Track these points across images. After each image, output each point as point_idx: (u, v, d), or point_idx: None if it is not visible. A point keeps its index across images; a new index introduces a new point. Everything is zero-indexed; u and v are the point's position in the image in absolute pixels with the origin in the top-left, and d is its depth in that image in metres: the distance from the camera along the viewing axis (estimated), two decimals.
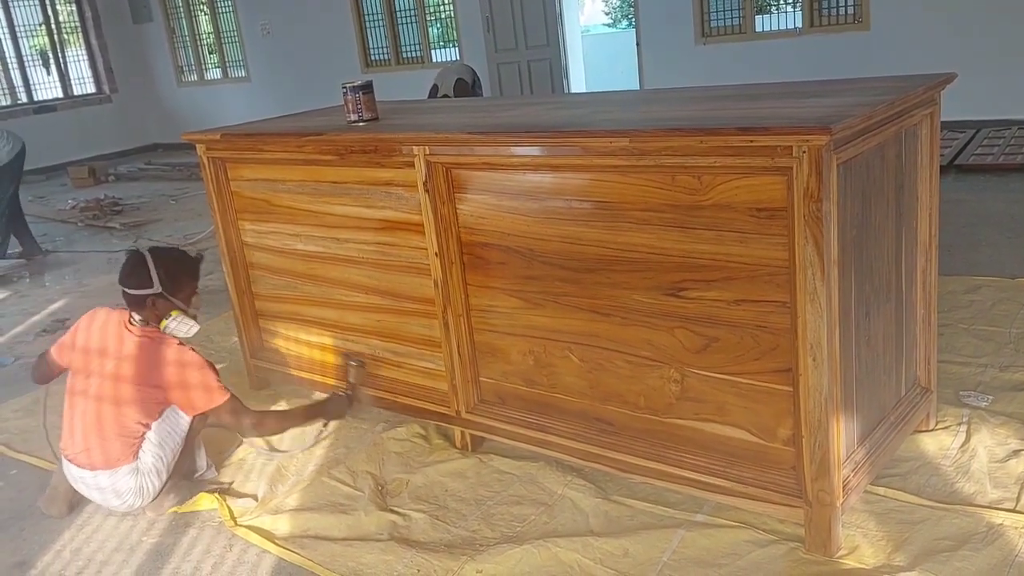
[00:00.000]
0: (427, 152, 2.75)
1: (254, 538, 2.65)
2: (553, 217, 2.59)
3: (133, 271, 2.85)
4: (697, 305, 2.37)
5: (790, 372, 2.24)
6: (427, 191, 2.79)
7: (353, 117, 3.16)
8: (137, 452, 2.79)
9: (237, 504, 2.84)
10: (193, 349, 2.86)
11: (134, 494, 2.80)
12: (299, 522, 2.72)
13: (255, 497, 2.88)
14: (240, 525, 2.73)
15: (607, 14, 26.82)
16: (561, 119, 2.80)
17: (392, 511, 2.72)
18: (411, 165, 2.81)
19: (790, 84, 2.98)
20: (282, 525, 2.71)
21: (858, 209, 2.28)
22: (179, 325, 2.85)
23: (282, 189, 3.33)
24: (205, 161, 3.52)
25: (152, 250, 2.95)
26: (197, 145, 3.53)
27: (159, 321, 2.85)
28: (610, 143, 2.36)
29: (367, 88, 3.16)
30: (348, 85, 3.15)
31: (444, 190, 2.79)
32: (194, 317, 2.92)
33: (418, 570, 2.43)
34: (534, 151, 2.54)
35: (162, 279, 2.83)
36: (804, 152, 2.02)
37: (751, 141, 2.10)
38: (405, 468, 2.98)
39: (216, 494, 2.88)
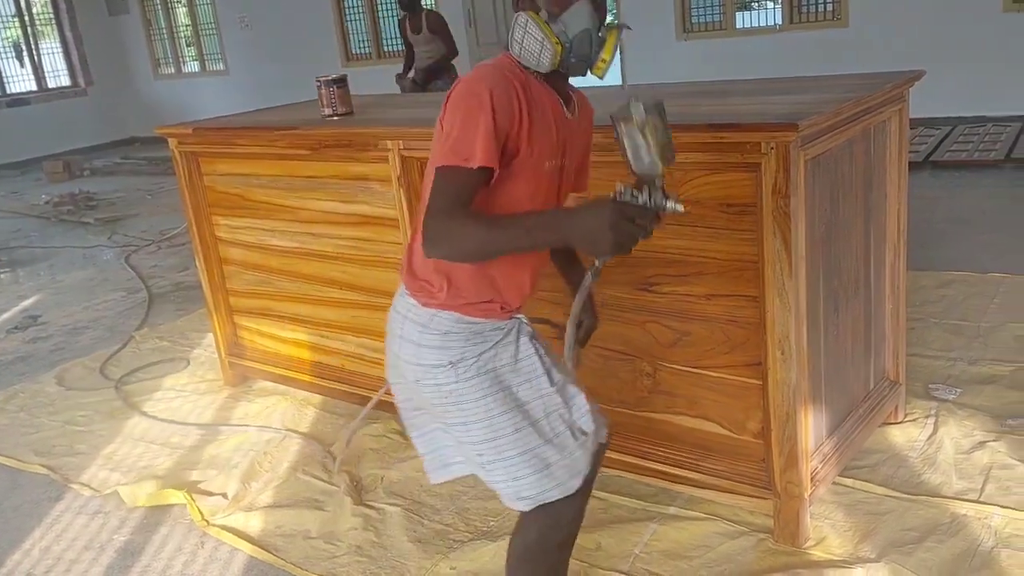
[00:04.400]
0: (401, 146, 2.75)
1: (226, 536, 2.65)
2: None
3: None
4: (669, 300, 2.39)
5: (760, 366, 2.26)
6: (402, 186, 2.79)
7: (327, 111, 3.16)
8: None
9: (207, 503, 2.83)
10: (512, 78, 1.61)
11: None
12: (272, 519, 2.71)
13: (224, 495, 2.87)
14: (212, 524, 2.72)
15: None
16: None
17: (367, 506, 2.72)
18: (385, 159, 2.81)
19: (764, 81, 3.00)
20: (255, 523, 2.70)
21: (827, 205, 2.30)
22: (524, 35, 1.62)
23: (256, 184, 3.31)
24: (177, 155, 3.50)
25: None
26: (169, 139, 3.51)
27: None
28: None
29: (341, 82, 3.15)
30: (322, 79, 3.14)
31: (420, 185, 2.78)
32: (559, 40, 1.61)
33: (392, 568, 2.43)
34: None
35: None
36: (772, 148, 2.04)
37: (721, 137, 2.12)
38: (381, 464, 2.98)
39: (185, 492, 2.87)
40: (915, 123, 7.61)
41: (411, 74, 7.14)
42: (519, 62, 1.65)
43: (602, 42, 1.64)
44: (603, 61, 1.65)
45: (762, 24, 8.81)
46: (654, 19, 8.96)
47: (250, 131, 3.25)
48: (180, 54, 13.02)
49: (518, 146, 1.60)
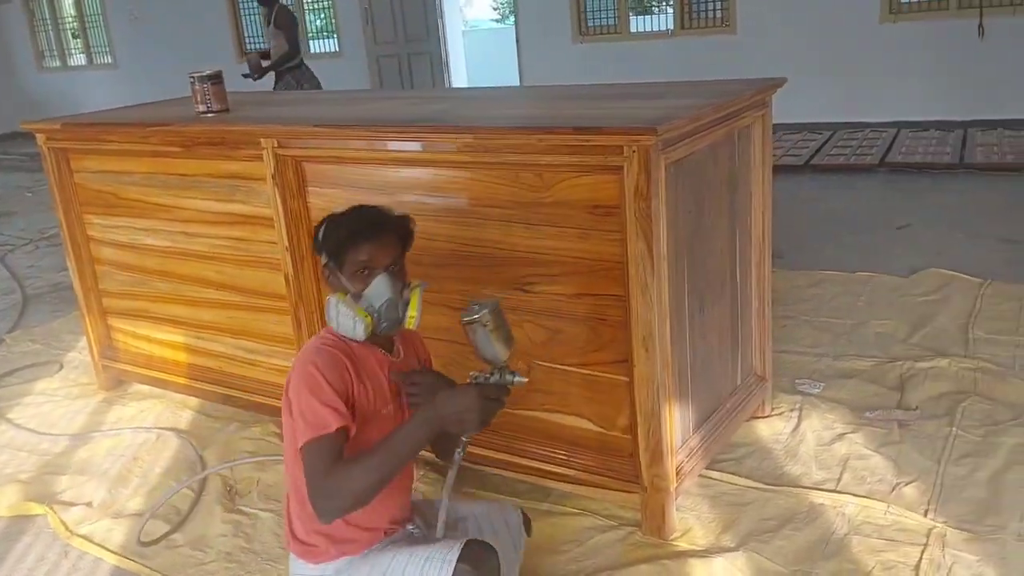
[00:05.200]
0: (275, 145, 2.70)
1: (89, 546, 2.56)
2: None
3: (313, 237, 1.97)
4: (542, 299, 2.42)
5: (627, 363, 2.31)
6: (276, 185, 2.75)
7: (201, 108, 3.08)
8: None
9: (71, 512, 2.73)
10: (336, 352, 1.83)
11: None
12: (140, 526, 2.63)
13: (90, 504, 2.77)
14: (75, 534, 2.62)
15: (495, 9, 26.92)
16: (414, 114, 2.81)
17: (239, 512, 2.67)
18: (259, 158, 2.76)
19: (640, 85, 3.07)
20: (121, 530, 2.62)
21: (691, 207, 2.37)
22: (337, 315, 1.84)
23: (129, 182, 3.21)
24: (46, 152, 3.36)
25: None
26: (37, 135, 3.37)
27: None
28: (455, 139, 2.39)
29: (216, 78, 3.08)
30: (195, 75, 3.07)
31: (294, 184, 2.75)
32: (367, 313, 1.82)
33: (262, 573, 2.39)
34: (380, 146, 2.54)
35: (324, 242, 1.89)
36: (634, 152, 2.09)
37: (586, 140, 2.16)
38: (257, 466, 2.92)
39: (46, 505, 2.75)
40: (799, 127, 7.96)
41: (264, 63, 7.15)
42: (340, 335, 1.86)
43: (407, 301, 1.87)
44: (411, 317, 1.88)
45: (656, 29, 9.03)
46: (550, 21, 9.07)
47: (120, 127, 3.15)
48: (65, 46, 12.48)
49: (355, 403, 1.81)
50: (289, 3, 10.45)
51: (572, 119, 2.35)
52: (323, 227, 1.92)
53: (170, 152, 3.00)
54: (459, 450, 1.84)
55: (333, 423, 1.73)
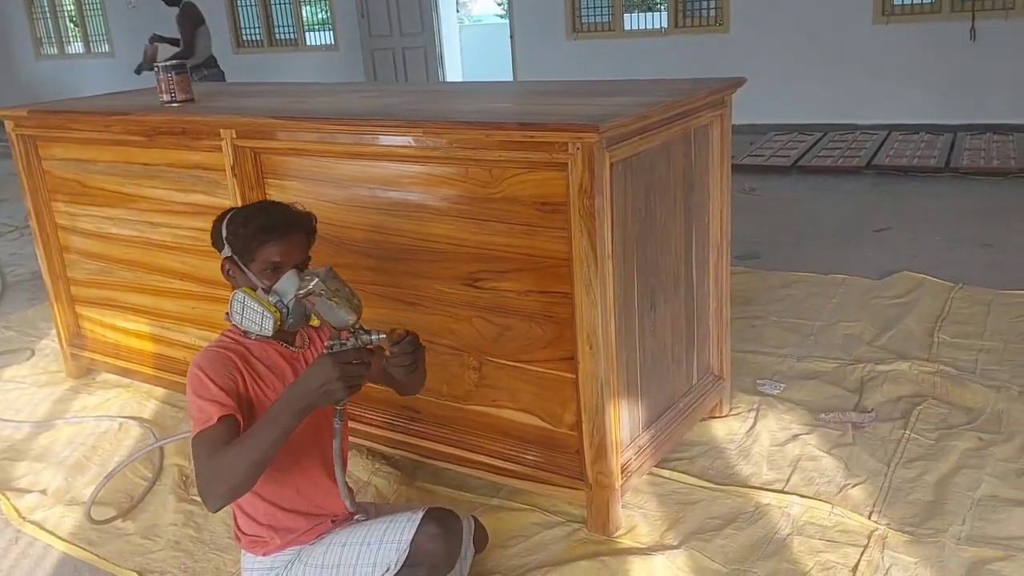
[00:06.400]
0: (234, 136, 2.71)
1: (41, 533, 2.57)
2: (359, 206, 2.60)
3: (212, 228, 1.98)
4: (491, 295, 2.42)
5: (574, 360, 2.31)
6: (235, 176, 2.75)
7: (166, 98, 3.08)
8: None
9: (25, 499, 2.74)
10: (224, 351, 1.87)
11: None
12: (93, 515, 2.64)
13: (44, 491, 2.79)
14: (27, 520, 2.63)
15: (499, 4, 26.86)
16: (369, 108, 2.81)
17: (192, 501, 2.68)
18: (219, 149, 2.76)
19: (604, 82, 3.06)
20: (73, 518, 2.63)
21: (641, 205, 2.37)
22: (243, 309, 1.86)
23: (94, 170, 3.22)
24: (14, 138, 3.37)
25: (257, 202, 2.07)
26: (5, 122, 3.38)
27: None
28: (406, 133, 2.39)
29: (180, 69, 3.09)
30: (160, 64, 3.08)
31: (253, 175, 2.75)
32: (276, 308, 1.84)
33: (208, 562, 2.40)
34: (333, 139, 2.54)
35: (230, 237, 1.91)
36: (578, 149, 2.09)
37: (531, 137, 2.16)
38: None
39: (0, 491, 2.77)
40: (790, 128, 7.94)
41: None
42: (241, 332, 1.89)
43: None
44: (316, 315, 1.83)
45: (649, 27, 9.02)
46: (544, 18, 9.06)
47: (85, 115, 3.15)
48: (64, 34, 12.49)
49: (252, 400, 1.84)
50: None
51: (522, 115, 2.35)
52: (228, 221, 1.92)
53: (133, 141, 3.01)
54: (336, 418, 1.84)
55: (215, 414, 1.74)
